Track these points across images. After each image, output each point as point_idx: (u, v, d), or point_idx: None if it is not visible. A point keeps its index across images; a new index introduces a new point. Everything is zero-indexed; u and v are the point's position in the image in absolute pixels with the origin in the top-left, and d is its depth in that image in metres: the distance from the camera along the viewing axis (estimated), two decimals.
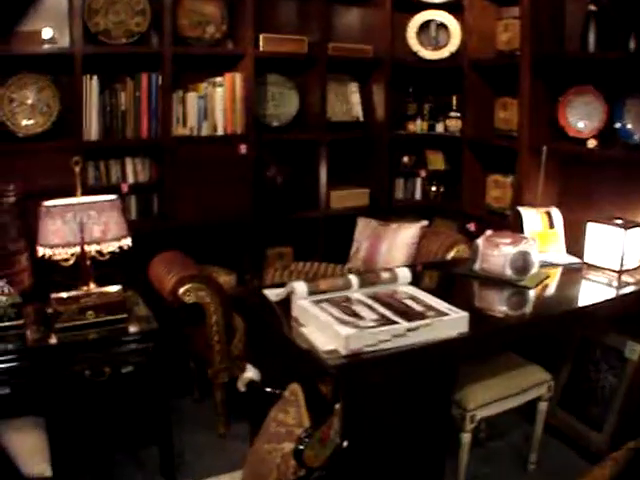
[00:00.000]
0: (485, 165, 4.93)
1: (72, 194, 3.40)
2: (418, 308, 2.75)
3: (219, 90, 4.39)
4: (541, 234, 3.92)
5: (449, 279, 3.66)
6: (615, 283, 3.50)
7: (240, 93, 4.42)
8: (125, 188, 4.28)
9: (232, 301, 3.54)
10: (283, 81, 4.79)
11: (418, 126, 5.14)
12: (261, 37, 4.45)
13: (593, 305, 3.23)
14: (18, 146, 3.92)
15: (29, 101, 3.94)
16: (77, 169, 3.42)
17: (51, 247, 3.27)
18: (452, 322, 2.65)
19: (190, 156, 4.30)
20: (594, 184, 4.11)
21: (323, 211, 4.87)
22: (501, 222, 4.57)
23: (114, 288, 3.31)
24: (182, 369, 4.12)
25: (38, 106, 3.96)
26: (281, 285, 3.23)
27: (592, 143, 4.02)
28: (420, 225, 4.50)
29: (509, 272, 3.36)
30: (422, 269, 3.86)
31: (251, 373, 2.77)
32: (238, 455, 3.51)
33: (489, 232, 3.61)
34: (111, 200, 3.42)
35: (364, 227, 4.71)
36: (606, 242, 3.65)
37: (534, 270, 3.41)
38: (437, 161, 5.27)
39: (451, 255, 4.23)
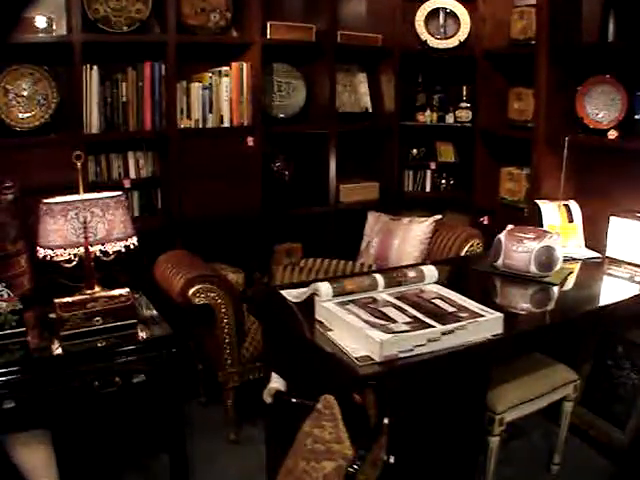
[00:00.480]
0: (498, 157, 4.70)
1: (74, 191, 3.16)
2: (449, 309, 2.56)
3: (225, 80, 4.11)
4: (560, 228, 3.75)
5: (471, 276, 3.44)
6: (639, 278, 3.28)
7: (247, 83, 4.14)
8: (127, 183, 4.00)
9: (247, 302, 3.30)
10: (290, 71, 4.52)
11: (427, 117, 4.89)
12: (268, 25, 4.18)
13: (622, 302, 3.02)
14: (15, 141, 3.62)
15: (25, 93, 3.65)
16: (79, 164, 3.17)
17: (52, 248, 3.03)
18: (487, 324, 2.46)
19: (195, 149, 4.03)
20: (613, 176, 3.88)
21: (332, 206, 4.62)
22: (516, 215, 4.41)
23: (122, 291, 3.06)
24: (188, 371, 3.87)
25: (35, 98, 3.67)
26: (296, 285, 3.04)
27: (613, 134, 3.82)
28: (433, 220, 4.28)
29: (533, 268, 3.18)
30: (441, 266, 3.62)
31: (277, 383, 2.52)
32: (251, 462, 3.36)
33: (510, 227, 3.43)
34: (116, 196, 3.17)
35: (375, 222, 4.48)
36: (629, 236, 3.47)
37: (558, 266, 3.22)
38: (447, 153, 5.02)
39: (465, 250, 4.05)
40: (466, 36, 4.76)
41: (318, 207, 4.58)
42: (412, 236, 4.25)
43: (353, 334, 2.39)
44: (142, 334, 2.99)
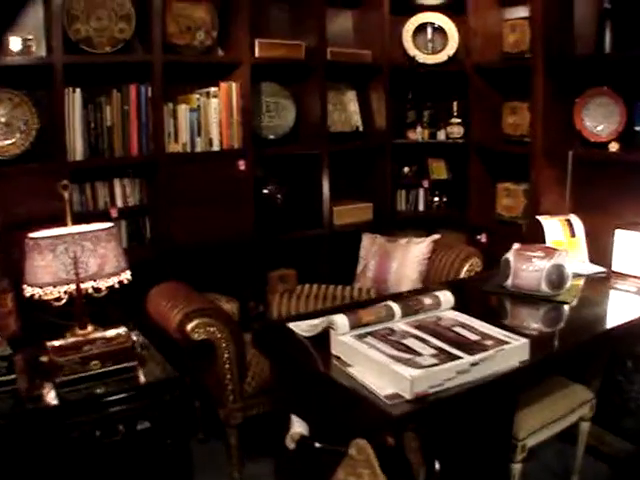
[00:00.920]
0: (493, 173, 4.51)
1: (60, 223, 2.90)
2: (472, 337, 2.38)
3: (213, 101, 3.86)
4: (563, 243, 3.59)
5: (481, 298, 3.23)
6: None
7: (237, 104, 3.90)
8: (114, 213, 3.71)
9: (253, 338, 3.06)
10: (278, 90, 4.28)
11: (419, 134, 4.69)
12: (257, 42, 3.94)
13: (636, 318, 2.85)
14: None
15: (3, 119, 3.36)
16: (66, 194, 2.91)
17: (41, 286, 2.76)
18: (514, 351, 2.28)
19: (184, 175, 3.76)
20: (614, 189, 3.73)
21: (327, 228, 4.38)
22: (513, 232, 4.23)
23: (119, 331, 2.79)
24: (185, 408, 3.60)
25: (14, 125, 3.38)
26: (302, 317, 2.84)
27: (614, 147, 3.69)
28: (431, 239, 4.08)
29: (545, 287, 3.03)
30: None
31: (300, 428, 2.29)
32: None
33: (517, 245, 3.26)
34: (108, 228, 2.91)
35: (370, 244, 4.25)
36: (635, 249, 3.34)
37: (569, 283, 3.08)
38: (440, 170, 4.81)
39: (465, 269, 3.86)
40: (454, 51, 4.57)
41: (312, 230, 4.35)
42: (410, 257, 4.05)
43: (377, 370, 2.18)
44: (145, 377, 2.73)
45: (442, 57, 4.58)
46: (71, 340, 2.72)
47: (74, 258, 2.76)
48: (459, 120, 4.60)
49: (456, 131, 4.59)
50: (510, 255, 3.20)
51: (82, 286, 2.80)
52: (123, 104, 3.63)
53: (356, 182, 4.72)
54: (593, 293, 3.23)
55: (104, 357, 2.68)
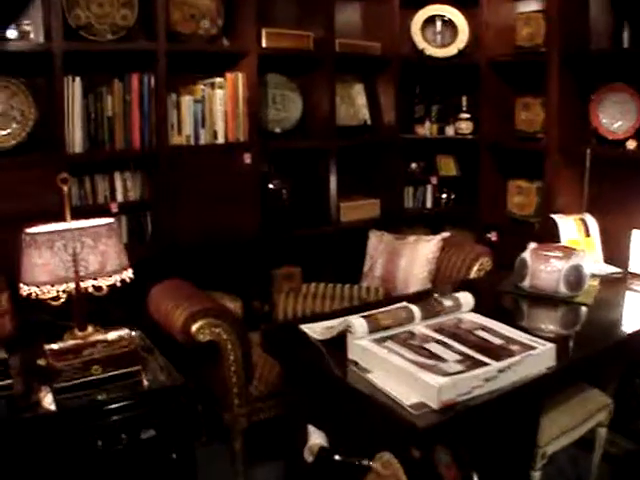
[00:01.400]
0: (504, 170, 4.32)
1: (58, 218, 2.70)
2: (496, 341, 2.23)
3: (219, 92, 3.64)
4: (578, 243, 3.44)
5: (498, 299, 3.06)
6: None
7: (243, 95, 3.69)
8: (114, 207, 3.48)
9: (262, 340, 2.86)
10: (285, 82, 4.05)
11: (427, 129, 4.48)
12: (264, 32, 3.72)
13: None
14: None
15: None
16: (65, 188, 2.71)
17: (38, 285, 2.55)
18: (540, 356, 2.15)
19: (187, 168, 3.55)
20: (631, 188, 3.56)
21: (333, 225, 4.16)
22: (525, 231, 4.10)
23: (121, 333, 2.59)
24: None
25: (10, 114, 3.16)
26: (313, 317, 2.69)
27: (632, 144, 3.54)
28: (441, 237, 3.87)
29: (563, 288, 2.89)
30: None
31: (319, 439, 2.10)
32: None
33: (533, 245, 3.10)
34: (108, 224, 2.71)
35: (378, 242, 4.05)
36: None
37: (587, 284, 2.94)
38: (448, 166, 4.61)
39: (475, 268, 3.66)
40: (465, 44, 4.36)
41: (318, 228, 4.13)
42: (419, 256, 3.84)
43: (400, 377, 2.02)
44: (147, 383, 2.52)
45: (451, 50, 4.37)
46: (71, 343, 2.52)
47: (73, 255, 2.56)
48: (468, 115, 4.40)
49: (465, 127, 4.39)
50: (527, 255, 3.04)
51: (82, 285, 2.60)
52: (125, 94, 3.41)
53: (363, 178, 4.50)
54: (611, 294, 3.07)
55: (106, 362, 2.47)
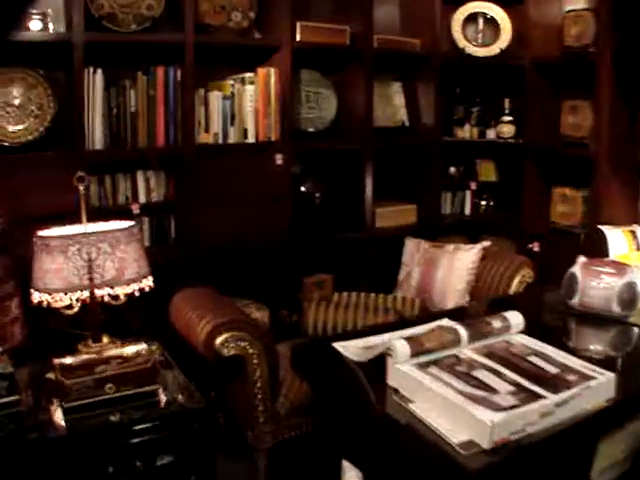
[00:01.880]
0: (548, 177, 3.98)
1: (74, 219, 2.42)
2: (552, 370, 1.90)
3: (249, 88, 3.35)
4: (627, 257, 3.07)
5: (545, 319, 2.71)
6: None
7: (275, 92, 3.39)
8: (136, 209, 3.21)
9: (293, 356, 2.57)
10: (319, 79, 3.74)
11: (467, 132, 4.16)
12: (298, 25, 3.42)
13: None
14: (3, 158, 2.86)
15: (16, 102, 2.90)
16: (82, 188, 2.42)
17: (50, 292, 2.27)
18: (600, 388, 1.83)
19: (214, 168, 3.26)
20: None
21: (368, 231, 3.84)
22: (570, 241, 3.75)
23: (138, 347, 2.30)
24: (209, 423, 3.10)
25: (28, 108, 2.91)
26: (347, 335, 2.42)
27: None
28: (481, 246, 3.55)
29: (616, 308, 2.51)
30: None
31: (355, 477, 1.80)
32: None
33: (583, 259, 2.74)
34: (128, 228, 2.42)
35: (414, 249, 3.73)
36: None
37: None
38: (488, 172, 4.27)
39: (517, 280, 3.35)
40: (507, 43, 4.03)
41: (352, 233, 3.81)
42: (458, 266, 3.53)
43: (446, 410, 1.71)
44: (166, 404, 2.23)
45: (494, 50, 4.04)
46: (83, 358, 2.23)
47: (88, 261, 2.27)
48: (510, 118, 4.06)
49: (506, 130, 4.05)
50: (576, 269, 2.68)
51: (97, 293, 2.32)
52: (149, 88, 3.13)
53: (399, 182, 4.18)
54: None
55: (120, 379, 2.18)
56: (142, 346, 2.31)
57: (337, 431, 2.16)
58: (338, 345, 2.22)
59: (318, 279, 3.66)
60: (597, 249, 3.20)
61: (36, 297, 2.30)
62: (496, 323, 2.17)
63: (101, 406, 2.16)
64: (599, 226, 3.28)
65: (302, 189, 3.69)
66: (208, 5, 3.25)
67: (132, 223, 2.48)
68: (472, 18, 4.12)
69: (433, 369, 1.88)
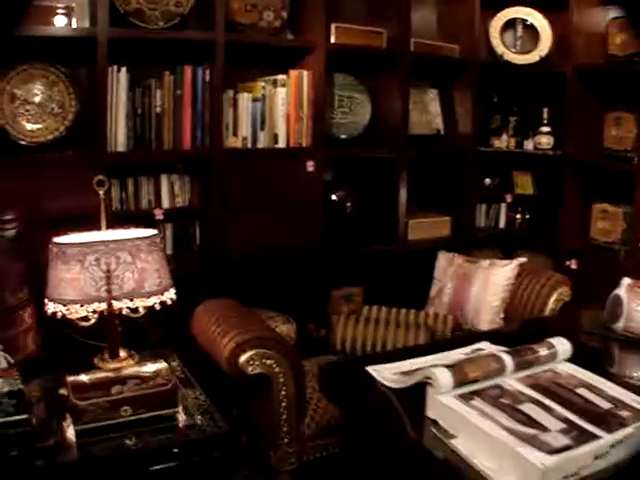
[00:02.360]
0: (588, 191, 3.68)
1: (94, 225, 2.18)
2: (603, 404, 1.69)
3: (281, 91, 3.10)
4: None
5: (588, 344, 2.42)
6: None
7: (308, 96, 3.14)
8: (159, 214, 2.96)
9: (321, 378, 2.31)
10: (353, 83, 3.47)
11: (504, 142, 3.88)
12: (333, 27, 3.17)
13: None
14: (21, 159, 2.65)
15: (36, 99, 2.68)
16: (101, 192, 2.18)
17: (65, 303, 2.03)
18: None
19: (242, 174, 3.02)
20: None
21: (400, 244, 3.56)
22: (609, 259, 3.46)
23: (158, 367, 2.04)
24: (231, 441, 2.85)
25: (48, 106, 2.70)
26: (380, 357, 2.26)
27: None
28: (517, 263, 3.29)
29: None
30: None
31: None
32: None
33: (628, 280, 2.46)
34: (150, 237, 2.17)
35: (447, 264, 3.47)
36: None
37: None
38: (525, 184, 3.97)
39: (553, 299, 3.10)
40: (547, 51, 3.77)
41: (384, 245, 3.54)
42: (493, 282, 3.27)
43: (492, 448, 1.49)
44: (186, 428, 1.96)
45: (533, 57, 3.77)
46: (98, 376, 1.98)
47: (107, 272, 2.03)
48: (549, 129, 3.78)
49: (545, 141, 3.77)
50: (621, 292, 2.40)
51: (115, 305, 2.08)
52: (176, 88, 2.90)
53: (433, 192, 3.91)
54: None
55: (138, 401, 1.92)
56: (162, 365, 2.06)
57: (366, 457, 1.92)
58: (371, 369, 1.99)
59: (347, 292, 3.41)
60: (636, 267, 2.95)
61: (50, 307, 2.07)
62: (542, 351, 1.92)
63: (116, 429, 1.91)
64: None
65: (333, 198, 3.42)
66: (239, 3, 3.01)
67: (154, 232, 2.23)
68: (510, 24, 3.85)
69: (477, 401, 1.66)
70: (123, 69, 2.77)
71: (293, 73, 3.12)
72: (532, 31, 3.84)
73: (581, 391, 1.75)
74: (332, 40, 3.19)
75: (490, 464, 1.45)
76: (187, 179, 3.09)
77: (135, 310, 2.14)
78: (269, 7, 3.09)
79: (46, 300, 2.09)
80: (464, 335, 2.98)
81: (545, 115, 3.80)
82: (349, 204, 3.43)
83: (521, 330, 2.73)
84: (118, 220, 2.30)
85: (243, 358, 2.38)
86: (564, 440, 1.47)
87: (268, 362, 2.42)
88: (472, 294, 3.32)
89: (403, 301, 3.39)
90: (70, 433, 1.91)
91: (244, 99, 3.05)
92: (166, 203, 3.03)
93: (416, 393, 1.74)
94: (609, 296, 2.46)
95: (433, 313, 3.24)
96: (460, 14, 3.68)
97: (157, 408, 1.96)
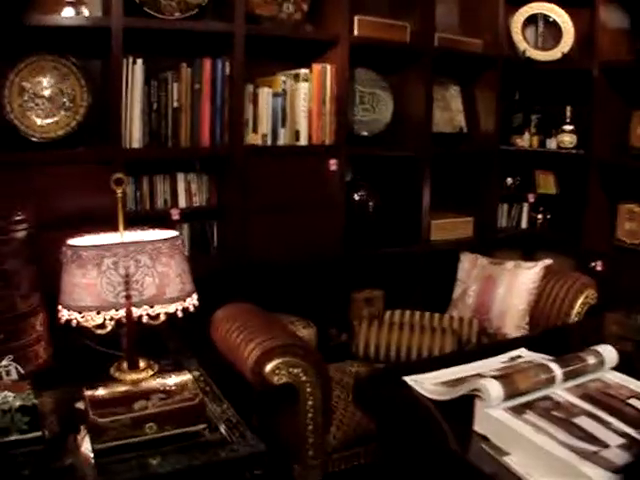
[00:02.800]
0: (613, 191, 3.45)
1: (109, 226, 1.97)
2: None
3: (303, 86, 2.87)
4: None
5: (625, 350, 2.25)
6: None
7: (331, 91, 2.91)
8: (176, 214, 2.73)
9: (356, 389, 2.10)
10: (375, 79, 3.23)
11: (526, 141, 3.65)
12: (356, 19, 2.95)
13: None
14: (31, 155, 2.42)
15: (46, 93, 2.46)
16: (119, 191, 1.97)
17: (80, 310, 1.82)
18: None
19: (262, 173, 2.79)
20: None
21: (423, 245, 3.33)
22: (636, 261, 3.24)
23: (183, 379, 1.83)
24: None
25: (59, 100, 2.48)
26: (416, 365, 1.98)
27: None
28: (543, 265, 3.08)
29: None
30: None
31: None
32: None
33: None
34: (171, 239, 1.96)
35: (471, 265, 3.25)
36: None
37: None
38: (548, 184, 3.74)
39: (579, 302, 2.90)
40: (569, 47, 3.55)
41: (406, 247, 3.30)
42: (519, 284, 3.05)
43: (550, 465, 1.33)
44: (214, 445, 1.75)
45: (555, 54, 3.55)
46: (119, 390, 1.76)
47: (126, 276, 1.82)
48: (572, 127, 3.55)
49: (568, 140, 3.54)
50: None
51: (135, 312, 1.87)
52: (194, 82, 2.66)
53: (454, 192, 3.66)
54: None
55: (163, 418, 1.71)
56: (186, 376, 1.84)
57: (403, 470, 1.71)
58: (410, 379, 1.79)
59: (368, 295, 3.19)
60: None
61: (64, 315, 1.86)
62: (590, 359, 1.73)
63: (139, 448, 1.69)
64: None
65: (355, 197, 3.19)
66: None
67: (175, 233, 2.02)
68: (531, 20, 3.64)
69: (529, 415, 1.48)
70: (139, 61, 2.54)
71: (316, 67, 2.89)
72: (553, 27, 3.62)
73: (633, 402, 1.58)
74: (355, 33, 2.96)
75: None
76: (205, 178, 2.85)
77: (155, 317, 1.94)
78: None
79: (60, 307, 1.88)
80: (501, 342, 2.77)
81: (568, 113, 3.56)
82: (371, 204, 3.20)
83: (554, 335, 2.56)
84: (133, 220, 2.08)
85: (269, 367, 2.17)
86: (625, 455, 1.30)
87: (295, 371, 2.22)
88: (498, 297, 3.10)
89: (425, 304, 3.17)
90: (88, 452, 1.70)
91: (264, 94, 2.83)
92: (183, 203, 2.79)
93: (458, 404, 1.56)
94: None
95: (458, 317, 3.02)
96: (483, 8, 3.46)
97: (184, 425, 1.74)
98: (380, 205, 3.26)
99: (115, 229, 1.98)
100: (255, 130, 2.83)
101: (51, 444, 1.73)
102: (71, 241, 1.90)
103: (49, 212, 2.29)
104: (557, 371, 1.63)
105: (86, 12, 2.53)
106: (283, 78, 2.87)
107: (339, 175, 2.96)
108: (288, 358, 2.21)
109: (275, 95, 2.85)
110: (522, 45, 3.57)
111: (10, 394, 1.71)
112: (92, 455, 1.68)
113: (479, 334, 2.98)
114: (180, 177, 2.78)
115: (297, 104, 2.88)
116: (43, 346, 2.13)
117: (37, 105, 2.46)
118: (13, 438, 1.68)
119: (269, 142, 2.86)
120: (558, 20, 3.60)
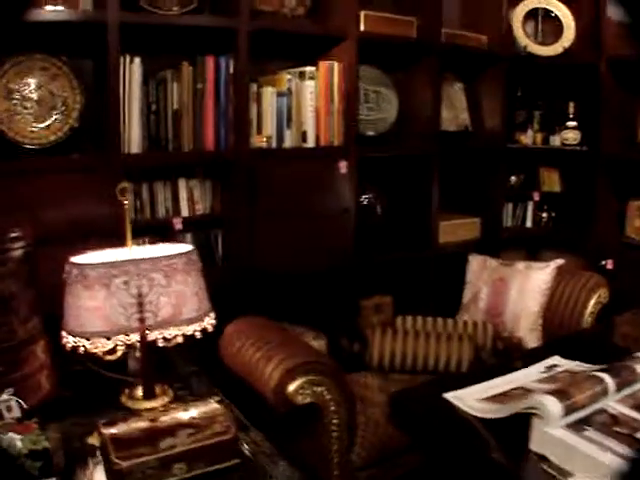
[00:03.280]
0: (623, 188, 3.27)
1: (109, 239, 1.75)
2: None
3: (309, 84, 2.62)
4: None
5: None
6: None
7: (339, 89, 2.67)
8: (178, 224, 2.46)
9: (393, 407, 1.87)
10: (380, 76, 3.00)
11: (530, 138, 3.44)
12: (362, 14, 2.70)
13: None
14: (22, 164, 2.15)
15: (35, 95, 2.19)
16: (125, 202, 1.73)
17: (87, 336, 1.59)
18: None
19: (267, 177, 2.54)
20: None
21: (434, 249, 3.11)
22: None
23: (211, 407, 1.57)
24: None
25: (50, 103, 2.21)
26: (453, 379, 1.84)
27: None
28: (555, 265, 2.89)
29: None
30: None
31: None
32: None
33: None
34: (186, 254, 1.73)
35: (480, 268, 3.05)
36: None
37: None
38: (552, 181, 3.55)
39: (592, 302, 2.75)
40: (570, 42, 3.36)
41: (416, 251, 3.08)
42: (531, 286, 2.87)
43: None
44: None
45: (557, 49, 3.35)
46: (141, 426, 1.50)
47: (138, 297, 1.59)
48: (575, 124, 3.35)
49: (571, 137, 3.35)
50: None
51: (149, 336, 1.63)
52: (196, 81, 2.40)
53: (460, 191, 3.45)
54: None
55: (194, 456, 1.45)
56: (213, 406, 1.59)
57: None
58: (451, 396, 1.65)
59: (378, 301, 2.97)
60: None
61: (70, 342, 1.62)
62: (638, 367, 1.60)
63: None
64: None
65: (362, 201, 2.96)
66: None
67: (190, 247, 1.79)
68: (531, 14, 3.45)
69: (590, 432, 1.38)
70: (137, 59, 2.27)
71: (323, 64, 2.65)
72: (553, 22, 3.43)
73: None
74: (361, 28, 2.71)
75: None
76: (208, 184, 2.58)
77: (170, 339, 1.71)
78: None
79: (63, 333, 1.64)
80: (530, 350, 2.62)
81: (571, 109, 3.37)
82: (379, 208, 2.99)
83: (579, 340, 2.40)
84: (133, 231, 1.83)
85: (292, 387, 1.96)
86: None
87: (319, 390, 2.00)
88: (511, 300, 2.91)
89: (434, 308, 2.97)
90: None
91: (268, 93, 2.58)
92: (185, 211, 2.52)
93: (511, 423, 1.44)
94: None
95: (472, 321, 2.82)
96: (485, 3, 3.25)
97: (217, 462, 1.49)
98: (388, 208, 3.04)
99: (118, 243, 1.74)
100: (259, 132, 2.58)
101: None
102: (75, 259, 1.66)
103: (41, 226, 2.01)
104: (609, 382, 1.52)
105: (60, 7, 2.23)
106: (288, 76, 2.62)
107: (350, 178, 2.71)
108: (311, 376, 1.99)
109: (279, 95, 2.60)
110: (523, 40, 3.36)
111: (16, 436, 1.44)
112: None
113: (494, 338, 2.79)
114: (182, 183, 2.52)
115: (304, 103, 2.64)
116: (46, 375, 1.86)
117: (26, 109, 2.19)
118: None
119: (274, 144, 2.61)
120: (559, 14, 3.41)
